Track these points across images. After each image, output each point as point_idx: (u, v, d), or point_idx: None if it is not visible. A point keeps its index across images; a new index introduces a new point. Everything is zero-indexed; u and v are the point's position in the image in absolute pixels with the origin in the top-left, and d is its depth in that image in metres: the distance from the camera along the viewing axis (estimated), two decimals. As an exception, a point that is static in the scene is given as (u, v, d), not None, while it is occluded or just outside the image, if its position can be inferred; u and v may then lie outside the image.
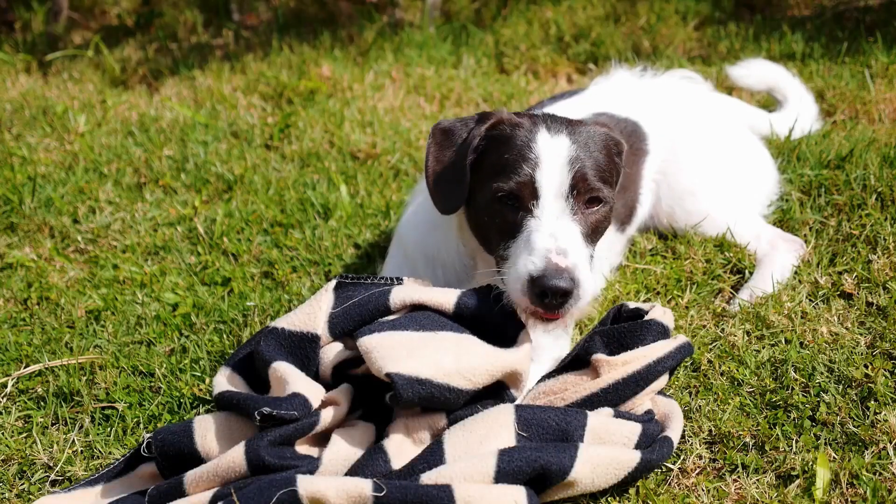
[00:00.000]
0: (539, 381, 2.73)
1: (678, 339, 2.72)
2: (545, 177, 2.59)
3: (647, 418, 2.60)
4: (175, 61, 5.93)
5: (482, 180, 2.70)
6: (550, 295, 2.47)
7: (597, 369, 2.64)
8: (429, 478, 2.29)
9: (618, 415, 2.59)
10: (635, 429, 2.52)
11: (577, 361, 2.70)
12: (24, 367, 3.16)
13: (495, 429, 2.42)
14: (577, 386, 2.64)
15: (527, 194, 2.60)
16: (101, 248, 3.91)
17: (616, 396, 2.60)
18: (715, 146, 3.58)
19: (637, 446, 2.49)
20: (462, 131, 2.77)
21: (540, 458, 2.31)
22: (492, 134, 2.73)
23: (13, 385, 3.07)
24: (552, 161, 2.61)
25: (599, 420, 2.51)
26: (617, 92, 3.63)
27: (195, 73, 5.69)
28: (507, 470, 2.29)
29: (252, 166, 4.44)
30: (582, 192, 2.62)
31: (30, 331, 3.38)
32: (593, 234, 2.70)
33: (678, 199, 3.50)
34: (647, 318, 2.78)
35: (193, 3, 6.95)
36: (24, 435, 2.87)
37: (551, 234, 2.55)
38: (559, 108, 3.44)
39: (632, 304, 2.86)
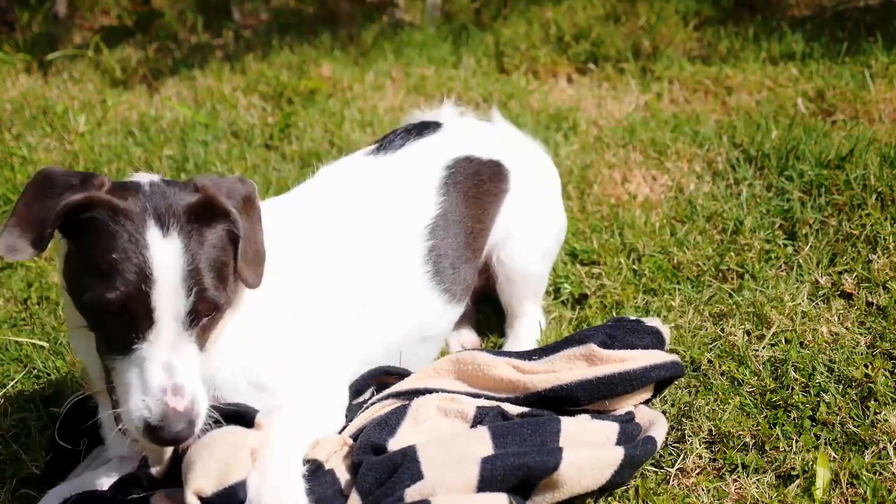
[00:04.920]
0: (525, 358, 2.76)
1: (672, 356, 2.75)
2: (161, 296, 2.17)
3: (627, 418, 2.61)
4: (175, 61, 5.93)
5: (83, 265, 2.23)
6: (169, 440, 2.18)
7: (592, 360, 2.66)
8: (413, 492, 2.28)
9: (595, 416, 2.62)
10: (613, 428, 2.54)
11: (569, 345, 2.74)
12: (25, 368, 3.16)
13: (473, 442, 2.41)
14: (571, 371, 2.65)
15: (138, 313, 2.17)
16: (101, 248, 3.91)
17: (609, 390, 2.62)
18: (550, 204, 3.37)
19: (617, 444, 2.50)
20: (60, 187, 2.25)
21: (524, 463, 2.31)
22: (90, 214, 2.21)
23: (12, 386, 3.08)
24: (168, 275, 2.17)
25: (575, 424, 2.53)
26: (470, 131, 3.31)
27: (195, 73, 5.69)
28: (490, 477, 2.29)
29: (252, 166, 4.43)
30: (202, 312, 2.23)
31: (30, 331, 3.38)
32: (207, 339, 2.33)
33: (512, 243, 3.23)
34: (647, 324, 2.81)
35: (193, 3, 6.95)
36: (23, 435, 2.88)
37: (166, 368, 2.18)
38: (421, 148, 3.10)
39: (632, 317, 2.90)
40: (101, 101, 5.36)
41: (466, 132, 3.27)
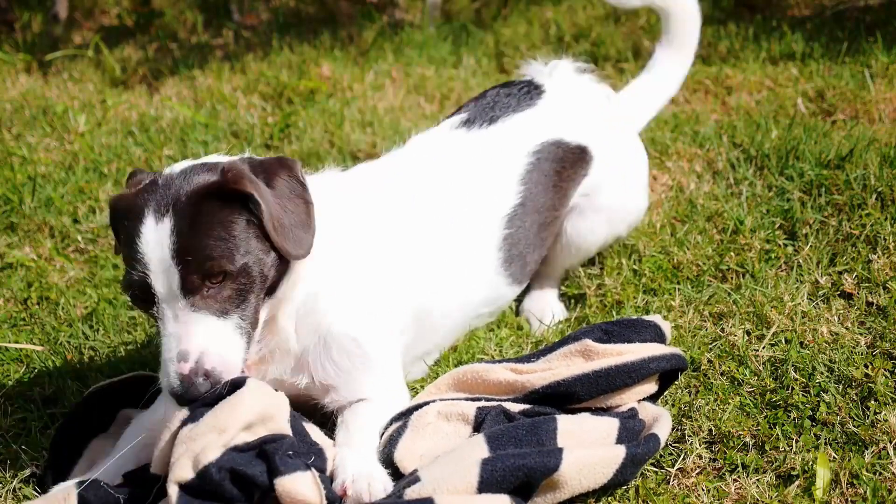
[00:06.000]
0: (522, 361, 2.78)
1: (673, 348, 2.74)
2: (155, 278, 2.38)
3: (629, 415, 2.61)
4: (175, 61, 5.93)
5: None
6: (190, 400, 2.39)
7: (589, 355, 2.66)
8: (413, 492, 2.30)
9: (595, 413, 2.62)
10: (613, 423, 2.54)
11: (564, 343, 2.75)
12: (25, 368, 3.17)
13: (468, 449, 2.41)
14: (569, 367, 2.66)
15: (146, 296, 2.42)
16: (101, 248, 3.91)
17: (607, 383, 2.61)
18: (629, 192, 3.43)
19: (619, 442, 2.49)
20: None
21: (524, 464, 2.30)
22: (117, 208, 2.52)
23: (12, 386, 3.08)
24: (158, 258, 2.37)
25: (572, 422, 2.52)
26: (567, 107, 3.31)
27: (195, 73, 5.69)
28: (491, 479, 2.28)
29: (252, 166, 4.43)
30: (197, 284, 2.38)
31: (30, 331, 3.38)
32: (232, 304, 2.44)
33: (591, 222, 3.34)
34: (646, 319, 2.82)
35: (193, 3, 6.95)
36: (24, 435, 2.88)
37: (175, 338, 2.39)
38: (512, 126, 3.19)
39: (633, 317, 2.90)
40: (101, 101, 5.36)
41: (562, 108, 3.29)
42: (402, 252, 2.86)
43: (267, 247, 2.48)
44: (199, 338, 2.39)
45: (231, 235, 2.42)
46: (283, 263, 2.55)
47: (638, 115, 3.77)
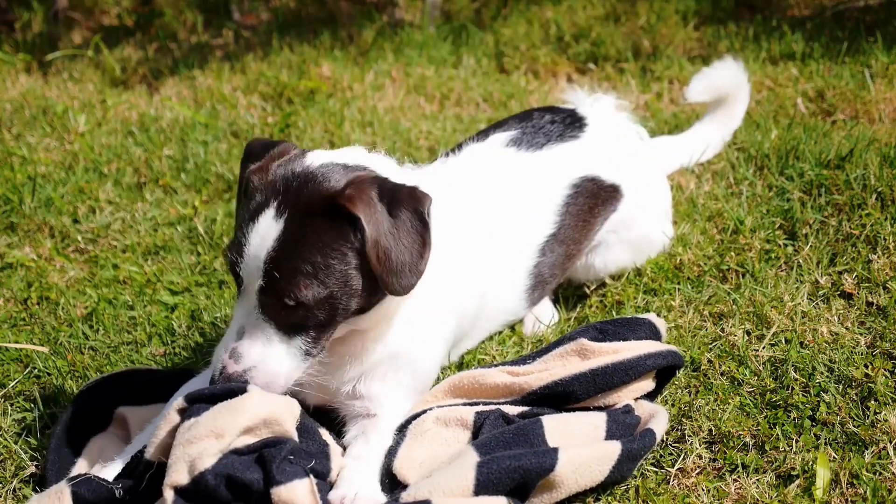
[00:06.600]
0: (519, 363, 2.78)
1: (669, 345, 2.75)
2: (246, 267, 2.37)
3: (623, 410, 2.61)
4: (175, 61, 5.92)
5: None
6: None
7: (585, 354, 2.67)
8: (409, 495, 2.30)
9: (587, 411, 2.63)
10: (600, 417, 2.54)
11: (560, 344, 2.75)
12: (25, 368, 3.17)
13: (461, 456, 2.41)
14: (565, 367, 2.66)
15: (234, 274, 2.44)
16: (101, 248, 3.91)
17: (605, 381, 2.62)
18: (654, 227, 3.43)
19: (610, 436, 2.49)
20: (252, 157, 2.55)
21: (520, 465, 2.30)
22: (248, 178, 2.49)
23: (12, 386, 3.08)
24: (254, 255, 2.35)
25: (558, 420, 2.53)
26: (607, 144, 3.31)
27: (195, 73, 5.69)
28: (487, 481, 2.28)
29: (252, 166, 4.43)
30: (272, 301, 2.37)
31: (30, 331, 3.38)
32: (295, 330, 2.41)
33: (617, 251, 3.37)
34: (641, 316, 2.83)
35: (193, 3, 6.95)
36: (24, 435, 2.88)
37: (238, 330, 2.39)
38: (558, 155, 3.18)
39: (628, 316, 2.91)
40: (101, 101, 5.36)
41: (602, 144, 3.29)
42: (457, 275, 2.81)
43: (362, 276, 2.40)
44: (257, 350, 2.38)
45: (325, 264, 2.34)
46: (378, 294, 2.48)
47: (666, 160, 3.88)
